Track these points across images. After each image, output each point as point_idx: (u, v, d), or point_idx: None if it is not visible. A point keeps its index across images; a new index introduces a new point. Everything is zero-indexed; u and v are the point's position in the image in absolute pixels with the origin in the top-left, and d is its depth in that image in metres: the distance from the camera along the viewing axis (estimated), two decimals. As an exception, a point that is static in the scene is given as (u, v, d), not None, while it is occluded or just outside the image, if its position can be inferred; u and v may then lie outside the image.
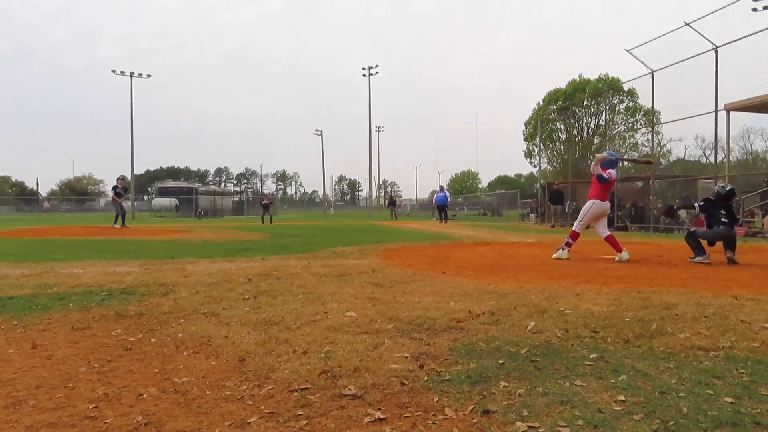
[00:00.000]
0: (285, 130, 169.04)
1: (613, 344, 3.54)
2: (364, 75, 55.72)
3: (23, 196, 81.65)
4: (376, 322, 4.18)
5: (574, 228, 9.25)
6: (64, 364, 3.28)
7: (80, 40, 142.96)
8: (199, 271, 7.20)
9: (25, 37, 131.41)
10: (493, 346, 3.49)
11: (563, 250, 9.06)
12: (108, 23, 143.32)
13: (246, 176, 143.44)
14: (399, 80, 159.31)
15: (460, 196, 69.94)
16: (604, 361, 3.17)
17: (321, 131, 75.51)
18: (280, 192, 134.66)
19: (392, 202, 41.46)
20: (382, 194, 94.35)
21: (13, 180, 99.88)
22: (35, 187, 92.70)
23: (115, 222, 20.92)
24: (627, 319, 4.22)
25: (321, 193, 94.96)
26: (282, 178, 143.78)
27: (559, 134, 46.97)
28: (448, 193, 31.08)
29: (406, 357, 3.29)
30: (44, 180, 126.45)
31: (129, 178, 46.65)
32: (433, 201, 33.55)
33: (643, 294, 5.34)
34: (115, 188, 21.93)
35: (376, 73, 55.80)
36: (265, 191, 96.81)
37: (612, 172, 8.99)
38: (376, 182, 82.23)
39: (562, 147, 45.89)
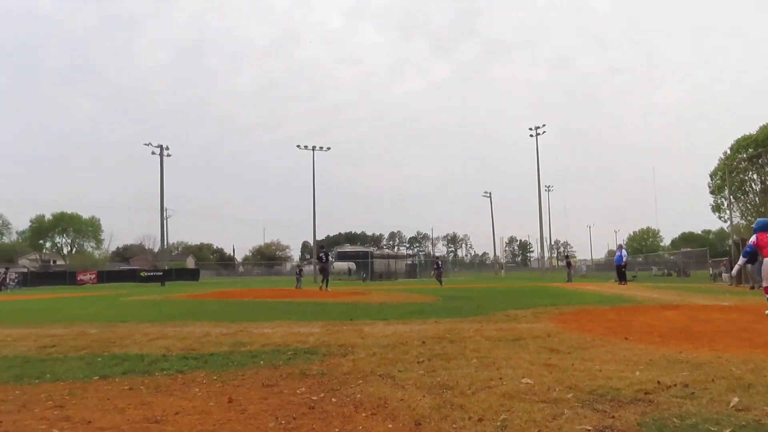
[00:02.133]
0: (454, 193, 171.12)
1: (844, 428, 2.98)
2: (531, 135, 55.17)
3: (222, 261, 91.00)
4: (554, 390, 3.95)
5: (763, 286, 9.03)
6: (255, 419, 3.50)
7: (270, 120, 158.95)
8: (375, 333, 7.38)
9: (224, 120, 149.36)
10: (689, 423, 3.11)
11: None
12: (293, 103, 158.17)
13: (418, 239, 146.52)
14: (567, 138, 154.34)
15: (639, 256, 64.99)
16: (833, 449, 2.67)
17: (489, 193, 75.32)
18: (451, 254, 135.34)
19: (567, 263, 39.69)
20: (554, 255, 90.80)
21: (215, 247, 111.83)
22: (232, 253, 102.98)
23: (326, 285, 22.38)
24: None
25: (491, 255, 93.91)
26: (452, 240, 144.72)
27: (752, 185, 42.14)
28: (625, 252, 28.97)
29: (589, 430, 3.04)
30: (240, 246, 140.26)
31: (311, 243, 50.04)
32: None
33: None
34: (327, 254, 23.70)
35: (543, 132, 54.97)
36: (437, 254, 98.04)
37: (757, 237, 9.07)
38: (548, 243, 79.38)
39: (756, 199, 41.06)
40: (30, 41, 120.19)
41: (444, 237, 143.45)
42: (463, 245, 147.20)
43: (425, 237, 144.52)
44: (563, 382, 4.16)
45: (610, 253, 71.17)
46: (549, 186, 76.53)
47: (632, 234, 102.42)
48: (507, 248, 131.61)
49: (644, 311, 10.36)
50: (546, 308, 11.08)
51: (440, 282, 29.63)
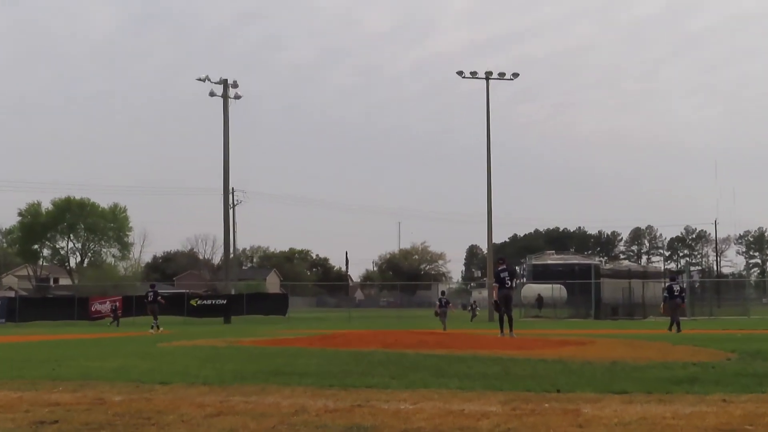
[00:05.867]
0: (759, 155, 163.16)
1: None
2: None
3: (327, 282, 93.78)
4: None
5: None
6: None
7: (404, 28, 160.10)
8: (605, 418, 7.27)
9: (324, 37, 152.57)
10: None
11: None
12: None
13: (687, 242, 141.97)
14: None
15: None
16: None
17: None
18: (754, 271, 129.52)
19: None
20: None
21: (314, 256, 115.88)
22: (344, 267, 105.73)
23: (510, 329, 22.48)
24: None
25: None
26: (758, 242, 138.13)
27: None
28: None
29: None
30: (358, 255, 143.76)
31: (483, 249, 49.86)
32: None
33: None
34: (514, 273, 24.04)
35: None
36: (725, 268, 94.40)
37: None
38: None
39: None
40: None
41: (739, 238, 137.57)
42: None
43: (701, 237, 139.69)
44: None
45: None
46: None
47: None
48: None
49: None
50: None
51: (677, 325, 28.03)
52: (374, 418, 7.38)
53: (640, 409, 7.82)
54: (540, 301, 54.20)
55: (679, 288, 30.31)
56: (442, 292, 41.37)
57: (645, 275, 61.07)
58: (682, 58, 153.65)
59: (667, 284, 31.65)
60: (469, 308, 56.72)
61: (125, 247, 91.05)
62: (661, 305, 29.76)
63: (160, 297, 35.80)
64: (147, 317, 43.73)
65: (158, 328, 31.60)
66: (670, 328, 27.88)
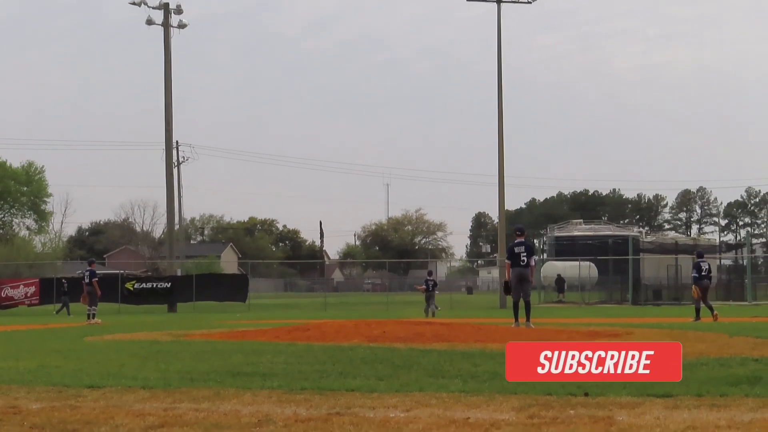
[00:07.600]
0: None
1: None
2: None
3: (295, 259, 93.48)
4: None
5: None
6: None
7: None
8: (644, 427, 7.26)
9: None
10: None
11: None
12: None
13: (749, 206, 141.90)
14: None
15: None
16: None
17: None
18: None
19: None
20: None
21: (280, 228, 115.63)
22: (318, 242, 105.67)
23: (527, 318, 22.62)
24: None
25: None
26: None
27: None
28: None
29: None
30: (333, 226, 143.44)
31: (494, 219, 49.89)
32: None
33: None
34: (532, 248, 24.02)
35: None
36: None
37: None
38: None
39: None
40: None
41: None
42: None
43: (766, 202, 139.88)
44: None
45: None
46: None
47: None
48: None
49: None
50: None
51: (710, 310, 28.27)
52: (356, 428, 7.38)
53: (687, 416, 7.85)
54: (561, 283, 53.57)
55: (708, 267, 30.38)
56: (429, 272, 41.51)
57: (696, 249, 60.75)
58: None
59: (695, 261, 31.19)
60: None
61: (42, 217, 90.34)
62: (693, 288, 29.16)
63: (96, 279, 35.02)
64: (77, 304, 43.41)
65: (92, 317, 31.20)
66: (697, 317, 27.99)
